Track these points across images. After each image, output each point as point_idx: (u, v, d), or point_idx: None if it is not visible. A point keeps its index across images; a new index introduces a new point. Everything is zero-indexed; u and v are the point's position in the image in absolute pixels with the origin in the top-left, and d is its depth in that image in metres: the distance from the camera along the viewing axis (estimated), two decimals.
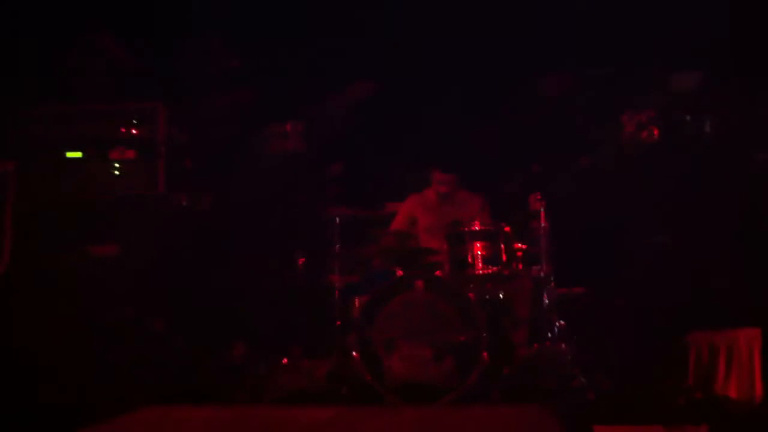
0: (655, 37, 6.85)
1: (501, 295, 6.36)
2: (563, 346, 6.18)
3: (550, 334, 6.32)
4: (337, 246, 6.60)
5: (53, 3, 6.59)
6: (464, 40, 7.12)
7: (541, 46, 7.08)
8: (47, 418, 5.20)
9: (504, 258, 6.29)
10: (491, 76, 7.23)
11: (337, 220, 6.61)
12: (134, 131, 6.93)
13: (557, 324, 6.33)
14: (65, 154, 6.85)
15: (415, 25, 6.97)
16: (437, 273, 6.32)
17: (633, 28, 6.83)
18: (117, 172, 6.85)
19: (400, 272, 6.38)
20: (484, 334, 5.74)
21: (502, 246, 6.30)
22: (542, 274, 6.45)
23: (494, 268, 6.27)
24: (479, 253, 6.30)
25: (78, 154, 6.85)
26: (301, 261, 6.81)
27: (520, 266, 6.40)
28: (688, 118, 6.94)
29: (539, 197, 6.49)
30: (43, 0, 6.52)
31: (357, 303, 6.39)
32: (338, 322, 6.44)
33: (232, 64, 7.18)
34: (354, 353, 5.86)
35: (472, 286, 6.26)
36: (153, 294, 6.29)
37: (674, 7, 6.65)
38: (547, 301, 6.40)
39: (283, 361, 6.32)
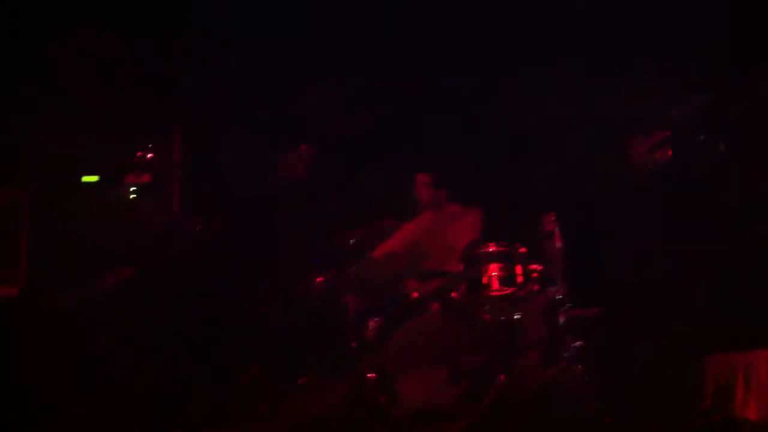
0: (668, 55, 6.82)
1: (516, 317, 6.32)
2: (579, 367, 6.13)
3: (566, 356, 6.26)
4: (353, 268, 6.59)
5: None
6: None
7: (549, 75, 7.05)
8: None
9: (519, 279, 6.28)
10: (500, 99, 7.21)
11: (351, 241, 6.60)
12: (150, 155, 6.98)
13: (573, 345, 6.27)
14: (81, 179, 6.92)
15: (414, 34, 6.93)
16: (453, 295, 6.29)
17: (645, 45, 6.79)
18: (133, 196, 6.91)
19: (415, 294, 6.35)
20: (500, 357, 5.72)
21: (518, 267, 6.29)
22: (558, 295, 6.40)
23: (510, 290, 6.26)
24: (495, 274, 6.29)
25: (94, 178, 6.90)
26: (316, 282, 6.80)
27: (536, 287, 6.36)
28: (702, 137, 6.91)
29: (553, 218, 6.46)
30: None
31: (371, 325, 6.36)
32: (353, 344, 6.41)
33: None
34: (368, 376, 5.83)
35: (487, 307, 6.23)
36: (166, 317, 6.29)
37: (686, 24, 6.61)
38: (562, 323, 6.35)
39: (298, 383, 6.31)
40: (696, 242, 6.58)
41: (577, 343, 6.26)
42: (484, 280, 6.26)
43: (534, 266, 6.36)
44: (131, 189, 6.94)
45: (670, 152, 6.99)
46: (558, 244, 6.42)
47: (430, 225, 7.03)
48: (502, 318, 6.26)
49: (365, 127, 7.38)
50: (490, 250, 6.32)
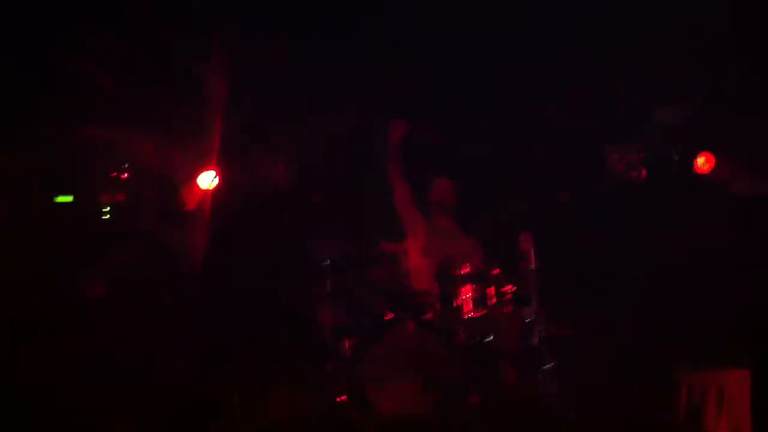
0: (644, 70, 6.91)
1: (491, 338, 6.35)
2: (553, 385, 6.17)
3: (540, 375, 6.30)
4: (328, 286, 6.59)
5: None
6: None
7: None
8: None
9: (493, 301, 6.34)
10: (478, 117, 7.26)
11: (328, 261, 6.60)
12: (124, 175, 6.98)
13: (547, 364, 6.32)
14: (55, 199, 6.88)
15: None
16: (428, 316, 6.31)
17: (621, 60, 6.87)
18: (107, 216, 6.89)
19: (390, 315, 6.37)
20: (474, 373, 5.76)
21: (492, 289, 6.35)
22: (532, 315, 6.45)
23: (484, 311, 6.31)
24: (469, 295, 6.34)
25: (69, 198, 6.87)
26: (293, 301, 6.81)
27: (510, 308, 6.41)
28: (676, 156, 7.03)
29: (528, 237, 6.52)
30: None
31: (347, 344, 6.36)
32: (328, 364, 6.40)
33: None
34: (342, 392, 5.85)
35: (462, 328, 6.26)
36: (137, 336, 6.28)
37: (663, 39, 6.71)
38: (536, 342, 6.40)
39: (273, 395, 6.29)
40: (670, 261, 6.68)
41: (551, 362, 6.32)
42: (459, 301, 6.31)
43: (508, 287, 6.42)
44: (106, 209, 6.91)
45: (644, 172, 7.09)
46: (532, 265, 6.49)
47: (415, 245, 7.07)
48: (477, 339, 6.30)
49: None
50: (465, 271, 6.36)
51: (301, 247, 6.93)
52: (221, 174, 7.05)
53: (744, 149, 6.86)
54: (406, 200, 6.97)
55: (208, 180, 7.05)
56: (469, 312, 6.32)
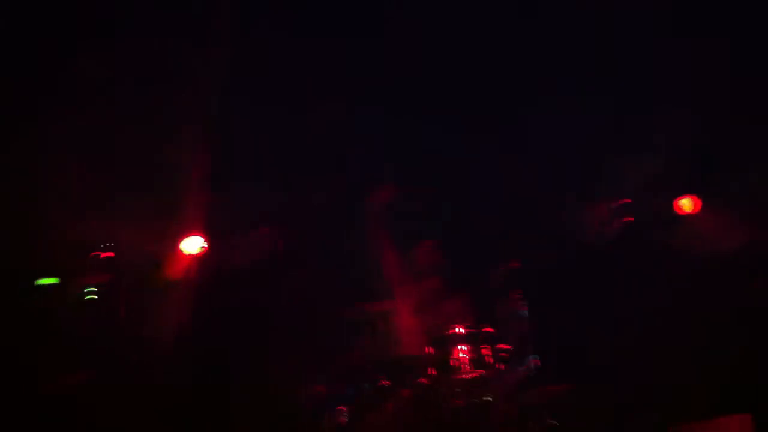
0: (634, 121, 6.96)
1: (488, 398, 6.31)
2: None
3: None
4: (325, 355, 6.53)
5: None
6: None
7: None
8: None
9: (489, 360, 6.30)
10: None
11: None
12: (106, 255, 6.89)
13: (547, 422, 6.27)
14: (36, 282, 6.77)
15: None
16: (422, 380, 6.26)
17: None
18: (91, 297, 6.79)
19: (385, 382, 6.31)
20: None
21: (486, 348, 6.32)
22: (528, 373, 6.42)
23: (479, 371, 6.27)
24: (463, 356, 6.30)
25: (54, 280, 6.76)
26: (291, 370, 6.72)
27: (505, 367, 6.38)
28: (661, 203, 7.05)
29: (519, 295, 6.52)
30: None
31: (344, 411, 6.29)
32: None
33: None
34: None
35: (458, 390, 6.21)
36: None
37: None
38: (534, 400, 6.36)
39: None
40: (663, 314, 6.66)
41: (551, 420, 6.27)
42: (454, 362, 6.27)
43: (503, 345, 6.39)
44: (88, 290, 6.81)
45: (631, 220, 7.09)
46: (525, 323, 6.48)
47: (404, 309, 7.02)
48: (475, 401, 6.25)
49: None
50: (458, 332, 6.33)
51: (292, 313, 6.85)
52: (208, 239, 6.97)
53: (730, 196, 6.90)
54: (393, 262, 6.94)
55: (195, 245, 6.96)
56: (465, 373, 6.26)
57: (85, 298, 6.86)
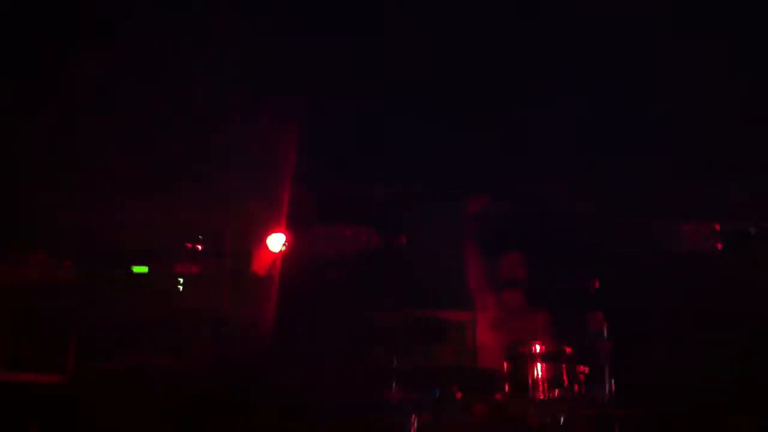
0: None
1: (562, 420, 6.21)
2: None
3: None
4: (395, 360, 6.54)
5: None
6: None
7: None
8: None
9: (565, 381, 6.19)
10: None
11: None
12: (199, 246, 7.07)
13: None
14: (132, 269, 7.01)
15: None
16: (497, 396, 6.22)
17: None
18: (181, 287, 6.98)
19: (459, 394, 6.28)
20: None
21: (564, 368, 6.21)
22: (606, 396, 6.30)
23: (556, 392, 6.17)
24: (541, 375, 6.21)
25: (144, 269, 6.99)
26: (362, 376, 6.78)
27: (583, 389, 6.26)
28: (752, 230, 6.78)
29: (599, 316, 6.38)
30: None
31: (415, 421, 6.29)
32: None
33: None
34: None
35: (532, 410, 6.14)
36: (204, 409, 6.30)
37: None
38: (611, 424, 6.23)
39: None
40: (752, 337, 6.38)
41: None
42: (530, 381, 6.19)
43: (581, 367, 6.27)
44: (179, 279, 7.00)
45: (720, 246, 6.86)
46: (606, 345, 6.35)
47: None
48: (548, 421, 6.17)
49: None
50: (537, 350, 6.24)
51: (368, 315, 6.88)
52: (290, 236, 7.07)
53: None
54: (477, 273, 6.92)
55: (278, 243, 7.08)
56: (540, 393, 6.18)
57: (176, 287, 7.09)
